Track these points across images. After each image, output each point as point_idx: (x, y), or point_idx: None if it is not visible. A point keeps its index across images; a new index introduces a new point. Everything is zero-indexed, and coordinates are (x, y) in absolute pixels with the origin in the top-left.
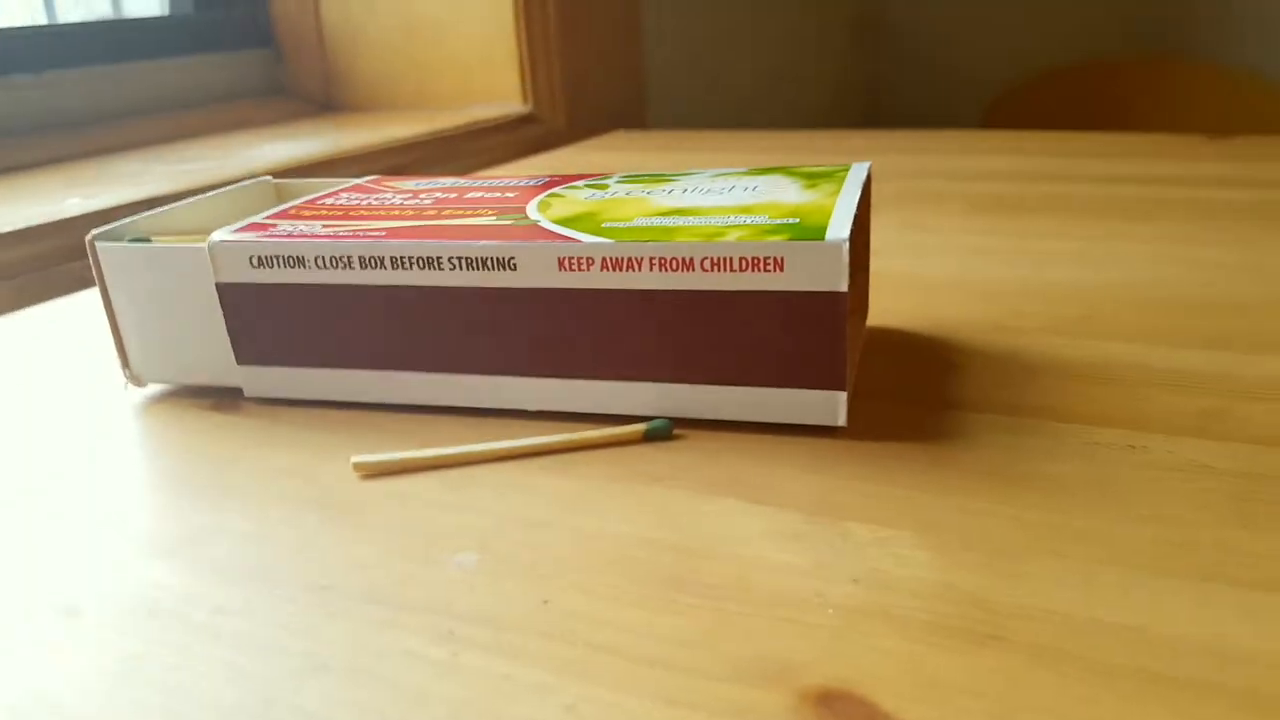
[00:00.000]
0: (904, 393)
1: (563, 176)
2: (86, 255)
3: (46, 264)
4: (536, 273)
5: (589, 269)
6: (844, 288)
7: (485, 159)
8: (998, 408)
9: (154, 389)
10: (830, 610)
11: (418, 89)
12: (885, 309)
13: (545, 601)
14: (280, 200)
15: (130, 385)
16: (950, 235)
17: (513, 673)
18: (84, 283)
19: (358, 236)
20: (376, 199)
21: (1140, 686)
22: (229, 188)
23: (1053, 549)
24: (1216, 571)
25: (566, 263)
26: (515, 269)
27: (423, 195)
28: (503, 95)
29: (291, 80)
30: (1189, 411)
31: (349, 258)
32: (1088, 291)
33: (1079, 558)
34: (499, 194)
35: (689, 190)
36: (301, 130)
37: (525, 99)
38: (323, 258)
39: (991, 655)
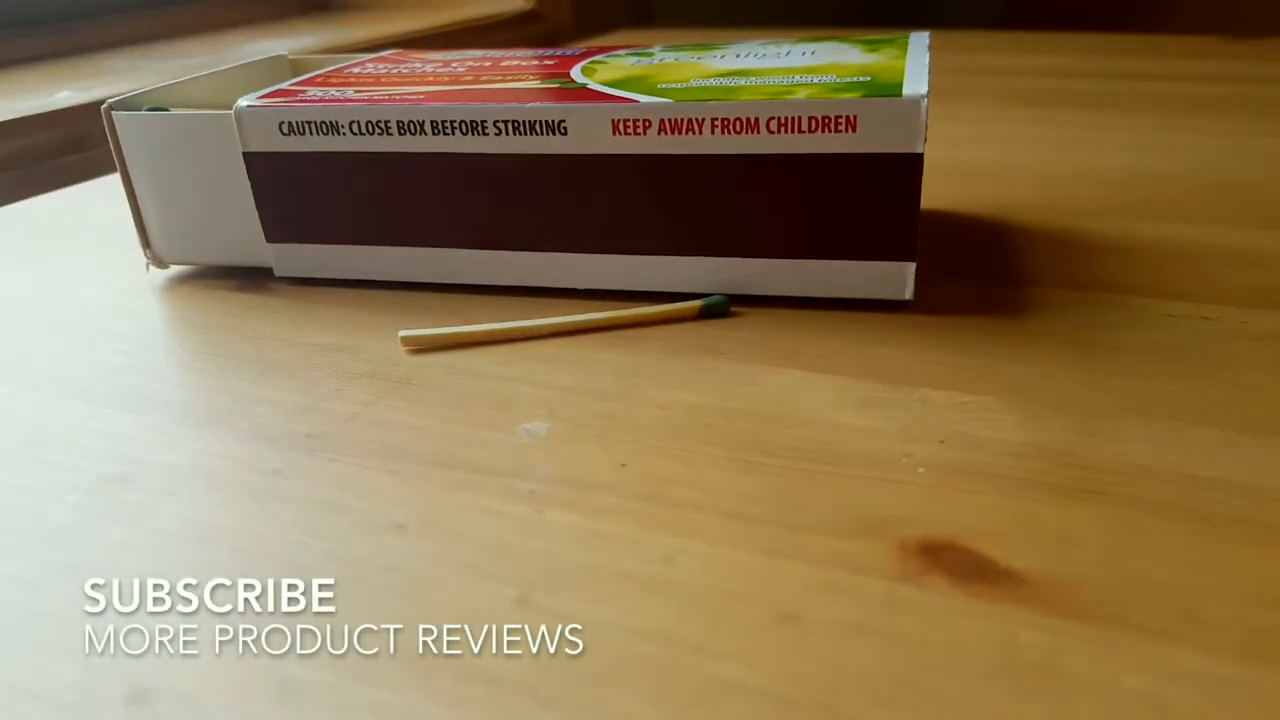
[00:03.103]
0: (965, 270)
1: (600, 47)
2: (80, 149)
3: (40, 157)
4: (588, 137)
5: (645, 132)
6: (920, 149)
7: None
8: (1065, 283)
9: (176, 271)
10: (921, 469)
11: None
12: (933, 194)
13: (623, 465)
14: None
15: (151, 267)
16: (990, 126)
17: (603, 529)
18: (79, 176)
19: (394, 100)
20: (407, 68)
21: (1248, 534)
22: (244, 62)
23: (1141, 410)
24: None
25: (621, 125)
26: (565, 133)
27: (454, 64)
28: None
29: None
30: (1259, 286)
31: (386, 123)
32: (1145, 177)
33: (1169, 418)
34: (536, 62)
35: (742, 55)
36: (294, 27)
37: None
38: (358, 123)
39: (1092, 508)
